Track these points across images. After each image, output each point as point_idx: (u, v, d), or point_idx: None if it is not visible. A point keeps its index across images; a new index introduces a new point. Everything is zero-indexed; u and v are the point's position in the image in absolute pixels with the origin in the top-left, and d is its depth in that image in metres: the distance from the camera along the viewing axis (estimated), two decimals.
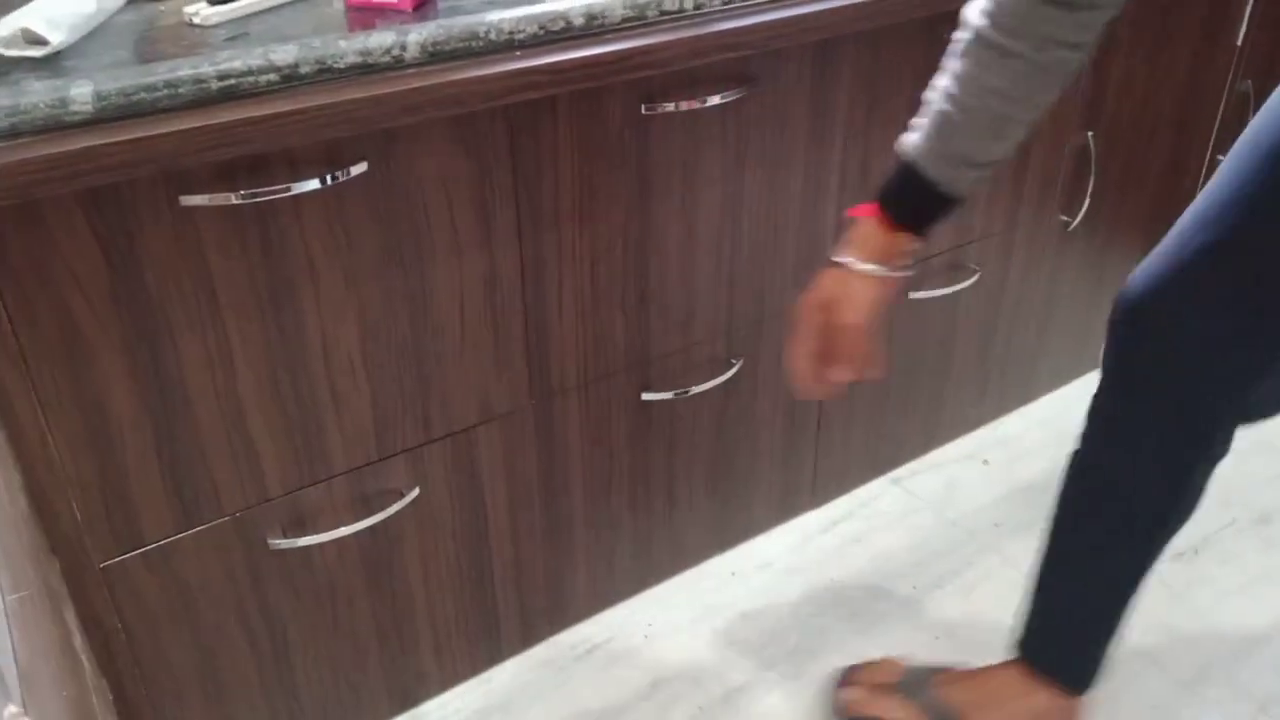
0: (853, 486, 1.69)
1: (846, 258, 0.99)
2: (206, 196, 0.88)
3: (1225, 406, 1.03)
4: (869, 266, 0.98)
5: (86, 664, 0.94)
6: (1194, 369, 1.00)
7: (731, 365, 1.38)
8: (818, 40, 1.21)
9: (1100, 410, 1.09)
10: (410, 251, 1.04)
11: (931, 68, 1.35)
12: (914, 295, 1.53)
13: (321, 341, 1.02)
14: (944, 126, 0.91)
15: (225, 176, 0.89)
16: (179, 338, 0.94)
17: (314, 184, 0.92)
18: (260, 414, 1.02)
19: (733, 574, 1.55)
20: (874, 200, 0.98)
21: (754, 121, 1.22)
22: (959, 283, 1.57)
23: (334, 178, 0.93)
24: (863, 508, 1.67)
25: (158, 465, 0.98)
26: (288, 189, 0.91)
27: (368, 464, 1.12)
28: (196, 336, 0.95)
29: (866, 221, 0.99)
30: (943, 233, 1.52)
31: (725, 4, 1.12)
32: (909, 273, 1.01)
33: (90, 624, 1.00)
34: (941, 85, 0.92)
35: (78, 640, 0.94)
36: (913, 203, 0.96)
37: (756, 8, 1.13)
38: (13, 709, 0.36)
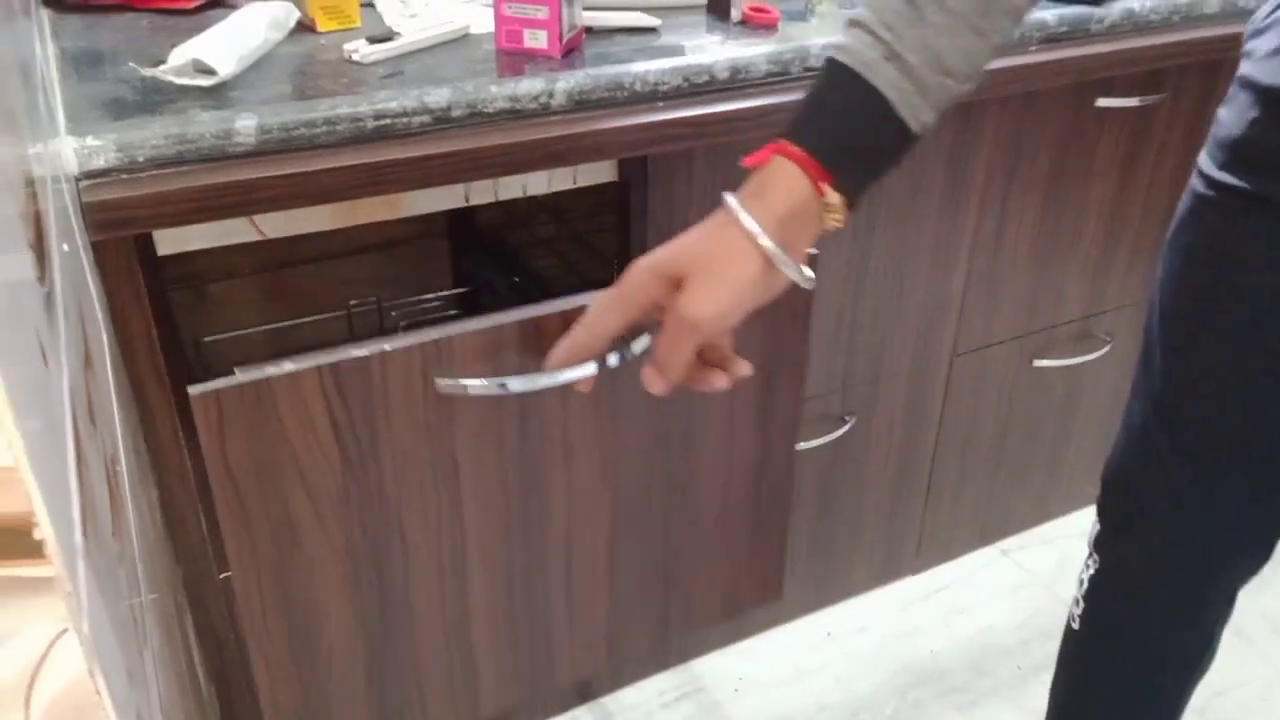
0: (959, 554, 1.64)
1: (744, 215, 0.63)
2: (465, 381, 0.75)
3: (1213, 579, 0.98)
4: (769, 244, 0.62)
5: (200, 673, 0.97)
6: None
7: (844, 423, 1.36)
8: (962, 103, 1.18)
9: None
10: (678, 430, 0.89)
11: (1077, 136, 1.32)
12: (1039, 363, 1.48)
13: (566, 536, 0.90)
14: (906, 8, 0.62)
15: (486, 356, 0.78)
16: (411, 542, 0.81)
17: (590, 368, 0.71)
18: (486, 624, 0.90)
19: (829, 635, 1.51)
20: (788, 136, 0.64)
21: (887, 181, 1.20)
22: (1088, 353, 1.52)
23: (613, 360, 0.73)
24: (968, 577, 1.61)
25: (365, 685, 0.87)
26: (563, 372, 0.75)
27: (594, 673, 1.08)
28: (431, 540, 0.82)
29: (780, 166, 0.63)
30: (1075, 300, 1.47)
31: None
32: (810, 282, 0.65)
33: (205, 634, 1.03)
34: None
35: (194, 651, 0.96)
36: (857, 138, 0.63)
37: None
38: None
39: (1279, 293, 0.83)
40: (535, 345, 0.77)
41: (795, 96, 1.04)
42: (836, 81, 0.64)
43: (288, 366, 0.71)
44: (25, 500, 0.24)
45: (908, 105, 0.63)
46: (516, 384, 0.74)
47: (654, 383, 0.67)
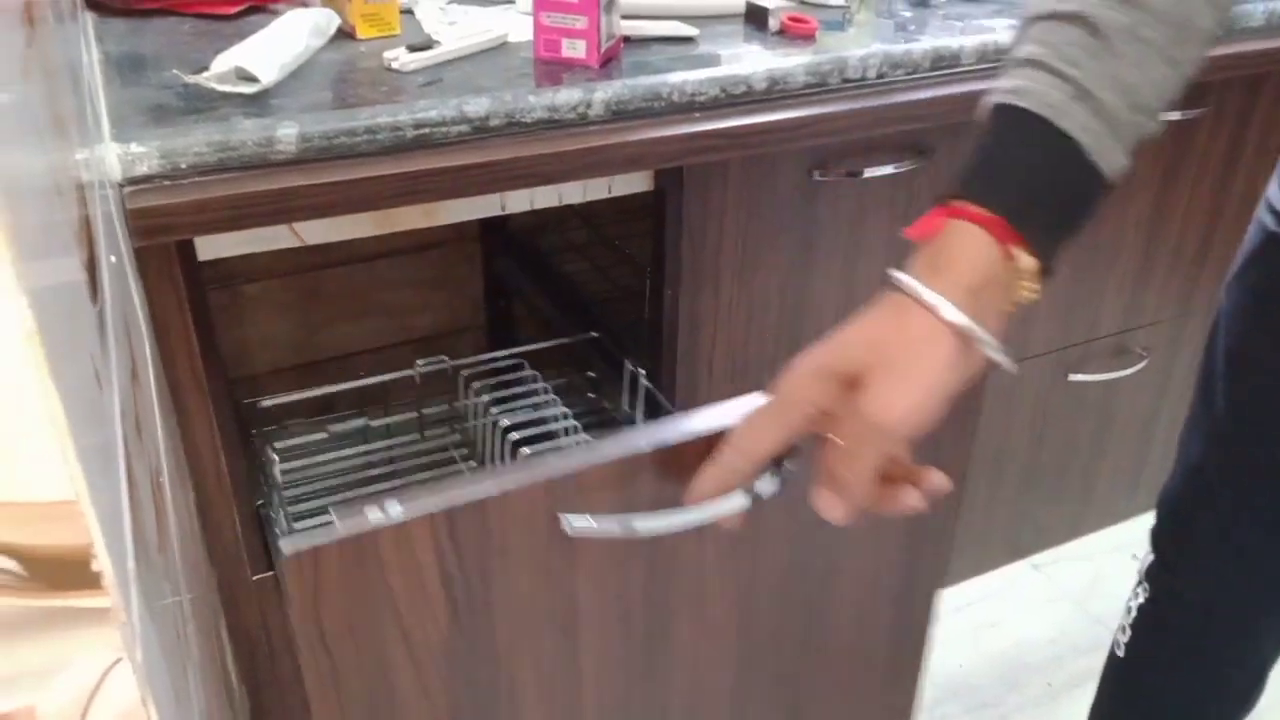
0: (990, 568, 1.63)
1: (924, 289, 0.54)
2: (595, 519, 0.65)
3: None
4: (961, 319, 0.53)
5: (232, 674, 0.98)
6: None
7: None
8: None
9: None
10: (819, 560, 0.80)
11: None
12: (1074, 378, 1.47)
13: (689, 683, 0.80)
14: (1092, 41, 0.54)
15: (615, 486, 0.66)
16: (521, 698, 0.73)
17: (741, 500, 0.62)
18: None
19: None
20: (964, 195, 0.56)
21: (924, 193, 1.19)
22: (1124, 369, 1.50)
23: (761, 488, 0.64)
24: (999, 592, 1.60)
25: None
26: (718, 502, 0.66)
27: None
28: (544, 694, 0.74)
29: (960, 232, 0.55)
30: (1112, 314, 1.45)
31: (909, 75, 1.10)
32: (1010, 362, 0.56)
33: (238, 634, 1.04)
34: None
35: (227, 652, 0.97)
36: (1048, 191, 0.55)
37: (938, 80, 1.11)
38: None
39: None
40: (675, 472, 0.64)
41: (834, 108, 1.04)
42: (1015, 129, 0.55)
43: (395, 513, 0.60)
44: (85, 533, 0.24)
45: (1101, 149, 0.55)
46: (651, 523, 0.64)
47: (832, 508, 0.56)
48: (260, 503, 1.03)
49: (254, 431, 1.23)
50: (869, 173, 1.13)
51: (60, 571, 0.25)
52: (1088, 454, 1.59)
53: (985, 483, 1.51)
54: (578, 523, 0.64)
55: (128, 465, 0.33)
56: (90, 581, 0.25)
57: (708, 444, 0.61)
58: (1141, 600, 1.02)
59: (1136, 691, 1.06)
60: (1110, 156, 0.56)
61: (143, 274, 0.83)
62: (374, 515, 0.59)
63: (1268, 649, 0.99)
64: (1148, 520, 1.18)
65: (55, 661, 0.26)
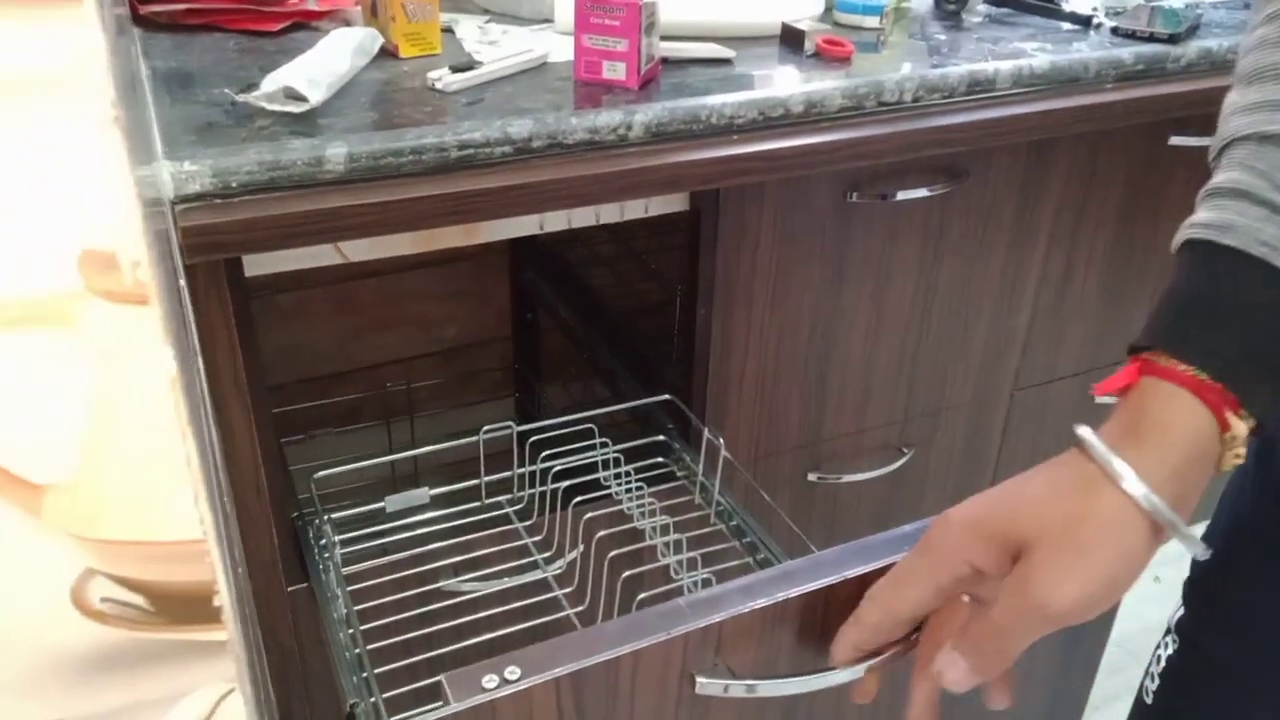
0: None
1: (1126, 471, 0.47)
2: (745, 683, 0.59)
3: None
4: (1162, 509, 0.46)
5: (267, 683, 0.99)
6: None
7: (902, 455, 1.35)
8: (1032, 139, 1.18)
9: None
10: None
11: (1150, 174, 1.30)
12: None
13: None
14: None
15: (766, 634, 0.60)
16: None
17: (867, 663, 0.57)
18: None
19: None
20: (1165, 349, 0.48)
21: (957, 215, 1.20)
22: None
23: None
24: None
25: None
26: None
27: None
28: None
29: (1164, 395, 0.47)
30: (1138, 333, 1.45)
31: (944, 99, 1.10)
32: (1205, 549, 0.49)
33: (270, 643, 1.05)
34: (1266, 91, 0.50)
35: (260, 661, 0.98)
36: (1269, 344, 0.48)
37: (973, 105, 1.11)
38: None
39: None
40: (819, 621, 0.59)
41: (869, 131, 1.05)
42: (1222, 271, 0.48)
43: (513, 676, 0.53)
44: (210, 570, 0.25)
45: None
46: (790, 688, 0.58)
47: (956, 672, 0.50)
48: (295, 515, 1.03)
49: (282, 439, 1.21)
50: (903, 195, 1.13)
51: (185, 607, 0.26)
52: None
53: None
54: (712, 688, 0.57)
55: (221, 498, 0.34)
56: (212, 616, 0.26)
57: (858, 586, 0.56)
58: (1170, 652, 1.02)
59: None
60: None
61: (192, 291, 0.84)
62: (489, 681, 0.53)
63: None
64: (1170, 545, 1.17)
65: (173, 692, 0.26)
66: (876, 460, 1.34)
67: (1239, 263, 0.47)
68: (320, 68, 0.94)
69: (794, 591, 0.57)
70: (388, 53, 1.06)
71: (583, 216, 1.02)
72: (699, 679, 0.57)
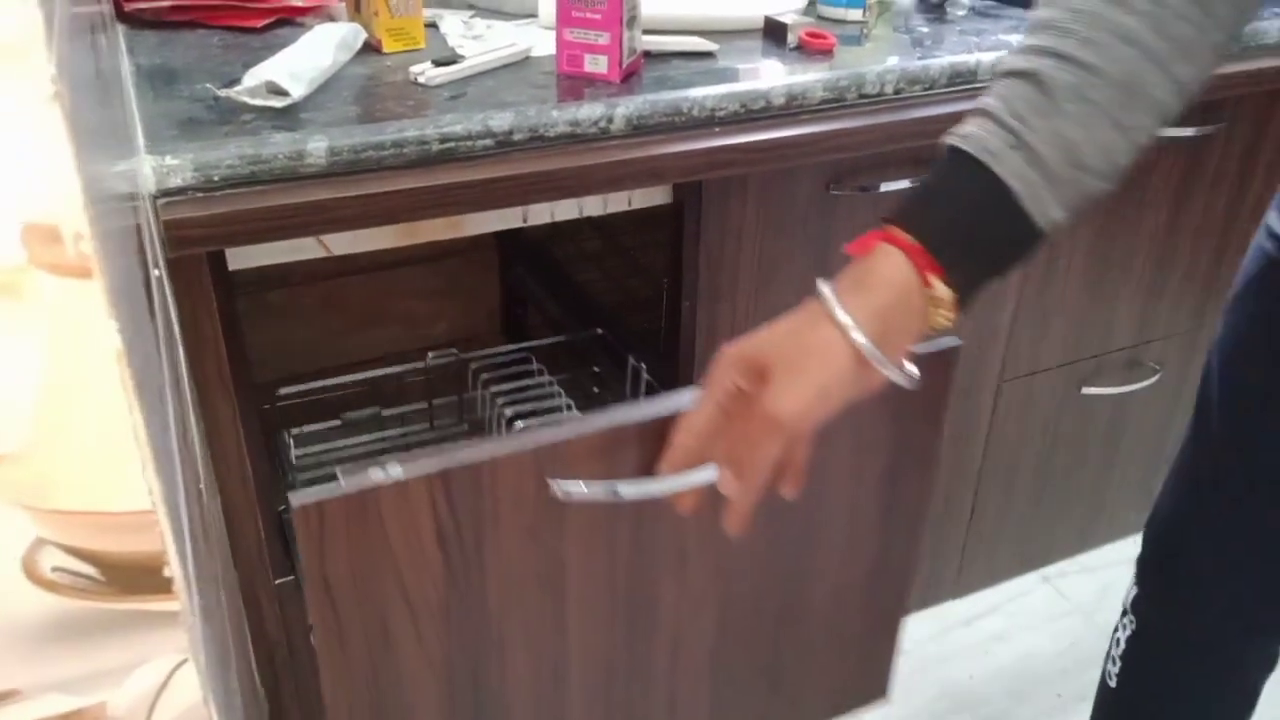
0: (1000, 580, 1.64)
1: (838, 308, 0.59)
2: (584, 483, 0.71)
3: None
4: (862, 340, 0.58)
5: (255, 676, 0.99)
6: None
7: None
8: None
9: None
10: (798, 530, 0.85)
11: (1131, 167, 1.31)
12: (1087, 391, 1.48)
13: (672, 643, 0.85)
14: (1039, 97, 0.57)
15: (604, 455, 0.72)
16: (510, 652, 0.77)
17: (707, 473, 0.69)
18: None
19: None
20: (896, 222, 0.60)
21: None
22: (1137, 382, 1.51)
23: None
24: (1009, 603, 1.61)
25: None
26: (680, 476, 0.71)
27: None
28: (532, 649, 0.78)
29: (885, 255, 0.59)
30: (1125, 328, 1.46)
31: (925, 90, 1.11)
32: (913, 380, 0.62)
33: (258, 636, 1.06)
34: (1032, 39, 0.59)
35: (249, 653, 0.99)
36: (974, 230, 0.59)
37: (954, 96, 1.12)
38: None
39: None
40: (654, 446, 0.70)
41: (851, 124, 1.05)
42: (955, 168, 0.59)
43: (395, 473, 0.65)
44: (159, 540, 0.26)
45: (1034, 198, 0.57)
46: (629, 490, 0.70)
47: (728, 485, 0.63)
48: (282, 508, 1.04)
49: (272, 434, 1.25)
50: (885, 187, 1.14)
51: (135, 577, 0.27)
52: (1099, 467, 1.59)
53: (996, 494, 1.52)
54: (566, 487, 0.69)
55: (184, 479, 0.35)
56: (162, 586, 0.26)
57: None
58: (1129, 633, 1.03)
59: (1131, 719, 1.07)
60: (1044, 207, 0.58)
61: (174, 283, 0.85)
62: (376, 474, 0.65)
63: (1255, 675, 1.00)
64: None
65: (126, 661, 0.27)
66: None
67: (966, 163, 0.58)
68: (302, 62, 0.95)
69: (630, 419, 0.70)
70: (371, 48, 1.06)
71: (566, 210, 1.03)
72: (551, 483, 0.69)
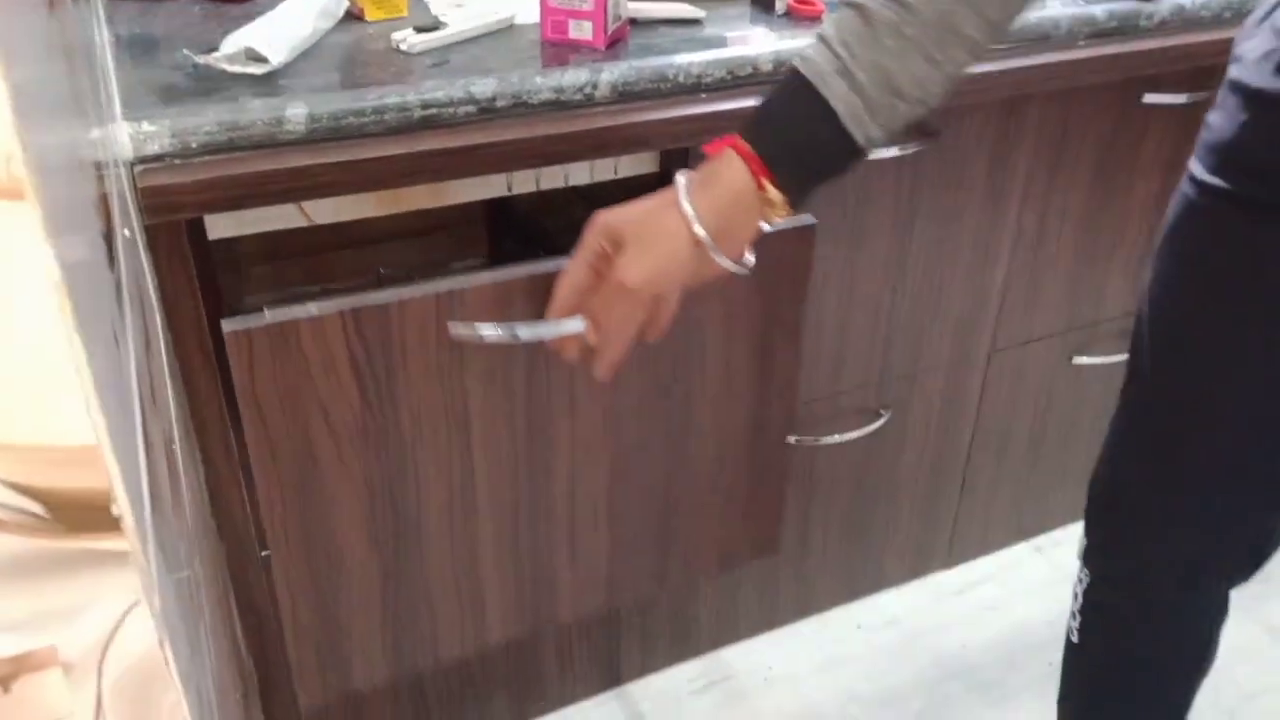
0: (992, 550, 1.64)
1: (685, 200, 0.69)
2: (474, 326, 0.80)
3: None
4: (700, 232, 0.68)
5: (241, 647, 0.99)
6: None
7: (880, 416, 1.36)
8: (1003, 97, 1.18)
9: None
10: (679, 385, 0.93)
11: (1123, 133, 1.30)
12: (1078, 360, 1.47)
13: (569, 482, 0.93)
14: (864, 29, 0.65)
15: (499, 303, 0.81)
16: (424, 480, 0.86)
17: (578, 322, 0.78)
18: (493, 559, 0.94)
19: (859, 626, 1.52)
20: (742, 132, 0.69)
21: (928, 175, 1.20)
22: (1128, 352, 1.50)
23: None
24: (1001, 573, 1.61)
25: (380, 608, 0.91)
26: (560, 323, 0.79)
27: (594, 613, 1.09)
28: (442, 477, 0.87)
29: (729, 160, 0.68)
30: (1117, 297, 1.46)
31: None
32: (747, 268, 0.72)
33: (246, 609, 1.06)
34: None
35: (237, 625, 0.99)
36: (802, 144, 0.67)
37: None
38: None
39: (1271, 298, 0.82)
40: (543, 299, 0.80)
41: None
42: (792, 89, 0.68)
43: (313, 309, 0.76)
44: (105, 477, 0.25)
45: (855, 119, 0.66)
46: (522, 331, 0.79)
47: (591, 339, 0.74)
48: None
49: None
50: (873, 155, 1.13)
51: (82, 515, 0.26)
52: (1091, 436, 1.59)
53: (988, 464, 1.51)
54: (461, 329, 0.79)
55: (144, 425, 0.35)
56: (110, 525, 0.26)
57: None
58: (1085, 585, 1.04)
59: (1095, 672, 1.07)
60: (863, 128, 0.66)
61: (153, 251, 0.84)
62: (296, 310, 0.75)
63: (1210, 614, 1.00)
64: None
65: (76, 603, 0.27)
66: (854, 422, 1.34)
67: (800, 83, 0.67)
68: (282, 29, 0.94)
69: (520, 273, 0.81)
70: (353, 16, 1.05)
71: (551, 177, 1.02)
72: (449, 324, 0.79)
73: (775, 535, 1.08)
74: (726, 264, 0.71)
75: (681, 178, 0.70)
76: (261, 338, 0.75)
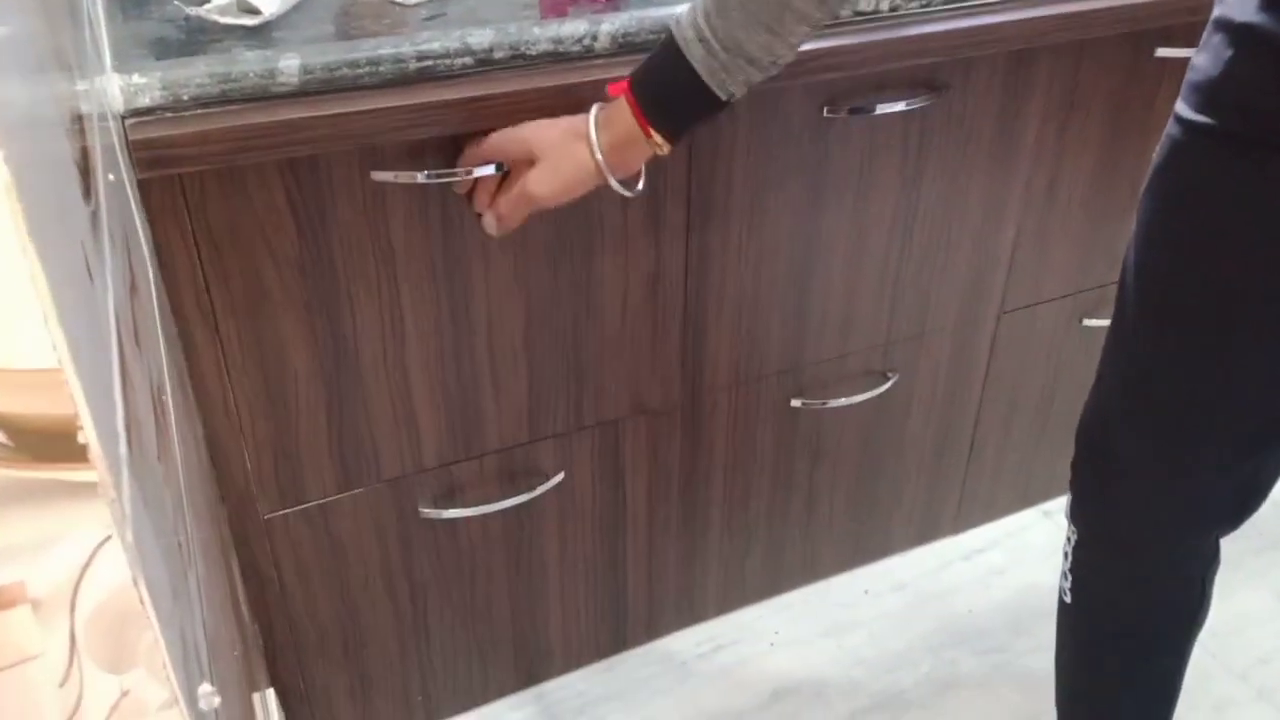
0: (1000, 515, 1.63)
1: (594, 135, 0.84)
2: (395, 174, 0.90)
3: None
4: (601, 160, 0.84)
5: (244, 608, 0.99)
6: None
7: (887, 379, 1.34)
8: (1013, 50, 1.15)
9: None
10: (579, 241, 1.04)
11: (1135, 88, 1.28)
12: (1089, 322, 1.45)
13: (487, 323, 1.04)
14: (720, 4, 0.78)
15: (415, 155, 0.91)
16: (357, 306, 0.96)
17: (491, 169, 0.93)
18: (424, 387, 1.04)
19: (865, 592, 1.51)
20: (630, 78, 0.84)
21: (937, 131, 1.18)
22: None
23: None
24: (1009, 538, 1.60)
25: (326, 427, 1.01)
26: (469, 172, 0.92)
27: (518, 445, 1.13)
28: (373, 307, 0.97)
29: (620, 107, 0.84)
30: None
31: (922, 7, 1.08)
32: (636, 193, 0.89)
33: (249, 572, 1.05)
34: None
35: (239, 588, 0.98)
36: (673, 98, 0.82)
37: (952, 13, 1.09)
38: (206, 687, 0.37)
39: (1255, 235, 0.80)
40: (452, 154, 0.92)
41: (844, 41, 1.02)
42: (667, 49, 0.81)
43: (255, 159, 0.84)
44: (70, 403, 0.24)
45: (714, 79, 0.80)
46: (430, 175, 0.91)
47: (490, 227, 0.92)
48: None
49: None
50: (881, 109, 1.11)
51: (47, 443, 0.25)
52: None
53: (996, 428, 1.50)
54: (380, 175, 0.90)
55: (122, 361, 0.33)
56: (77, 454, 0.25)
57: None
58: (1073, 543, 1.03)
59: (1089, 630, 1.06)
60: (723, 85, 0.80)
61: (147, 205, 0.83)
62: (240, 159, 0.82)
63: (1200, 563, 0.99)
64: None
65: (45, 536, 0.26)
66: (861, 385, 1.33)
67: (672, 46, 0.81)
68: None
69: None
70: None
71: None
72: (373, 173, 0.91)
73: (674, 393, 1.21)
74: (618, 188, 0.86)
75: (592, 118, 0.84)
76: (211, 180, 0.85)
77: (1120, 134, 1.30)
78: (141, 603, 0.27)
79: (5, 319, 0.24)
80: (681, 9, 0.83)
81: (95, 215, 0.36)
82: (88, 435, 0.25)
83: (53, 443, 0.25)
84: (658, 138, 0.83)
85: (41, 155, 0.28)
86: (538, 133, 0.86)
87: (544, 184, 0.86)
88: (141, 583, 0.27)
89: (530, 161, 0.86)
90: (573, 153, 0.85)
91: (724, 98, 0.81)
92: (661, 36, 0.81)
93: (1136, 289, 0.89)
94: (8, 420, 0.25)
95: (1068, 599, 1.06)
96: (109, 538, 0.26)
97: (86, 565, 0.26)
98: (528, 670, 1.34)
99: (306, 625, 1.13)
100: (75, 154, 0.36)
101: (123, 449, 0.28)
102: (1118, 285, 0.93)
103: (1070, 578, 1.05)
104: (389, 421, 1.04)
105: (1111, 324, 0.95)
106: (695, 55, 0.79)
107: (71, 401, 0.24)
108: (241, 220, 0.88)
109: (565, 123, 0.86)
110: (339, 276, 0.94)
